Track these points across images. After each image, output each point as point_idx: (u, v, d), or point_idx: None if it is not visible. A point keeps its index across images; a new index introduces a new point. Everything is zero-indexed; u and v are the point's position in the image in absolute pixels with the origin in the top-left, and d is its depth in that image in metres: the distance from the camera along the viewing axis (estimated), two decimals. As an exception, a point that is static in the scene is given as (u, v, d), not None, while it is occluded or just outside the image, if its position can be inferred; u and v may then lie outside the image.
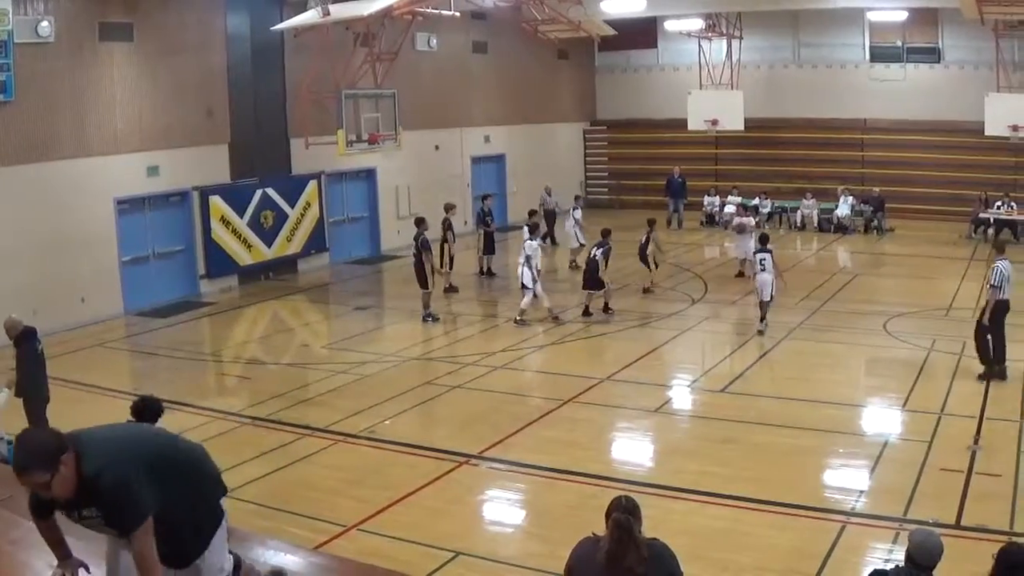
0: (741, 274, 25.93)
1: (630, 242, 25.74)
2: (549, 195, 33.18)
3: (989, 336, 16.48)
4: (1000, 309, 16.49)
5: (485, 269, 27.52)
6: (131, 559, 5.63)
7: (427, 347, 20.46)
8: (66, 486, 5.29)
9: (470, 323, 22.41)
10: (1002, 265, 16.48)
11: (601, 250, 22.13)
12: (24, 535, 7.22)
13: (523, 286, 21.81)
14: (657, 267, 25.14)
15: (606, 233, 22.66)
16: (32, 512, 5.76)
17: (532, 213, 26.05)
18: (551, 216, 31.47)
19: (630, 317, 21.92)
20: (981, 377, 16.26)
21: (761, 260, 20.50)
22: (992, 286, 16.41)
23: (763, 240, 21.68)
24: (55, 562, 5.99)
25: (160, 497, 5.52)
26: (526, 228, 22.48)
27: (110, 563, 6.03)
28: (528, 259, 21.63)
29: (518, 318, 21.63)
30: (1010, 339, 17.02)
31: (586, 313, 22.12)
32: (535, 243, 22.06)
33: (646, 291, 24.50)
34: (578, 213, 28.59)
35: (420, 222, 22.61)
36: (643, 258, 25.00)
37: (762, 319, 20.44)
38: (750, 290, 23.32)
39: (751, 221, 26.68)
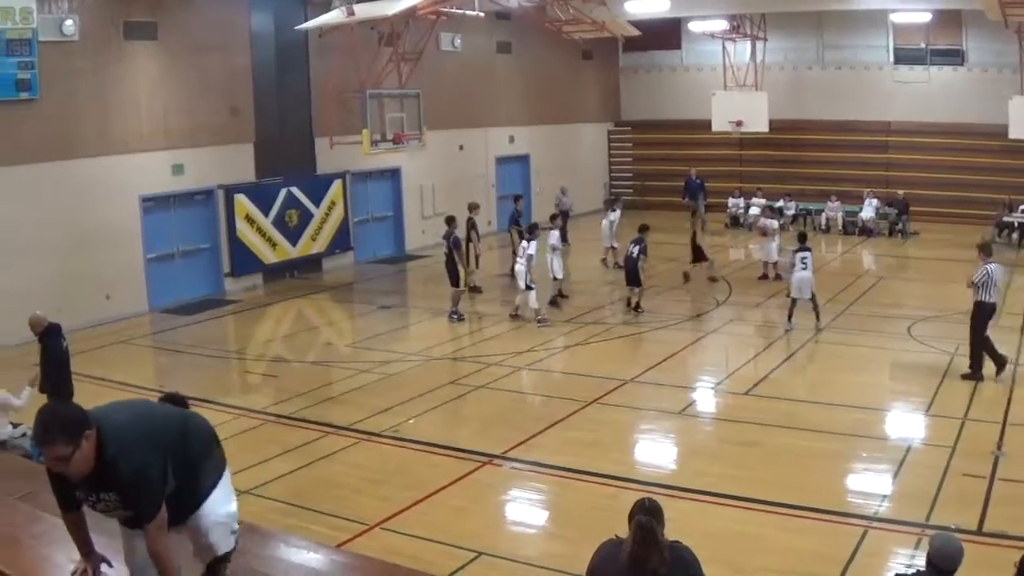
0: (764, 276, 25.94)
1: (659, 243, 25.82)
2: (564, 195, 33.17)
3: (987, 336, 16.72)
4: (985, 312, 16.62)
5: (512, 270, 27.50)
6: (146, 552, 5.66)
7: (451, 347, 20.50)
8: (86, 463, 5.27)
9: (495, 323, 22.39)
10: (990, 268, 16.59)
11: (638, 247, 22.27)
12: (47, 530, 7.26)
13: (527, 287, 21.98)
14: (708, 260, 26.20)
15: (643, 229, 22.92)
16: (60, 505, 5.78)
17: (554, 217, 26.03)
18: (565, 216, 31.32)
19: (655, 319, 21.89)
20: (998, 376, 16.50)
21: (803, 259, 20.46)
22: (975, 284, 16.56)
23: (803, 239, 21.64)
24: (77, 556, 6.02)
25: (172, 481, 5.58)
26: (555, 231, 22.77)
27: (128, 558, 6.03)
28: (530, 259, 21.78)
29: (539, 319, 21.70)
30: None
31: (629, 305, 22.58)
32: (536, 244, 22.24)
33: (713, 280, 25.91)
34: (614, 215, 28.71)
35: (450, 220, 22.86)
36: (696, 249, 25.93)
37: (790, 318, 20.65)
38: (774, 292, 23.42)
39: (775, 223, 26.63)
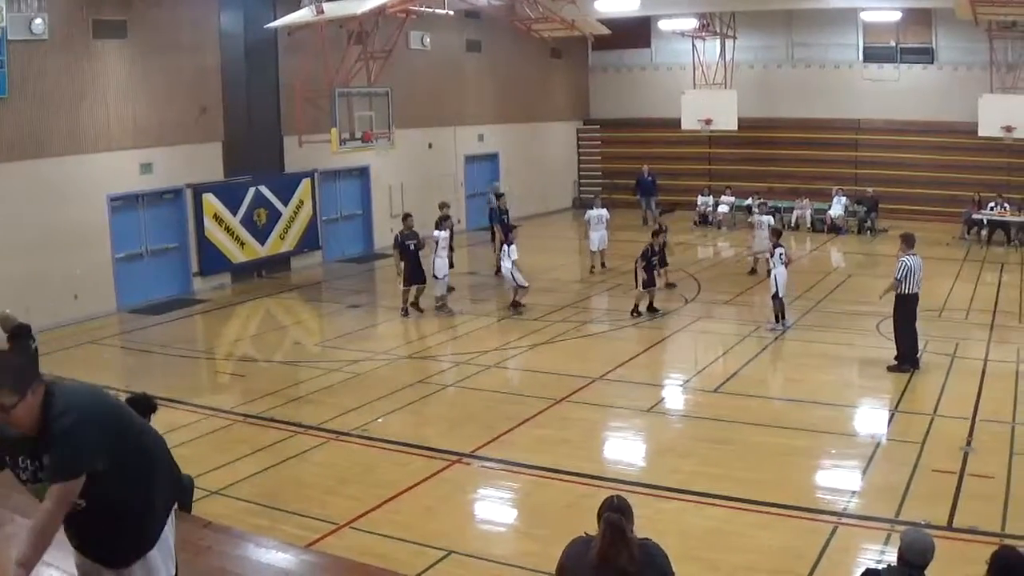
0: (754, 271, 26.30)
1: (625, 241, 25.76)
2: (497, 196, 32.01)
3: (902, 330, 17.10)
4: (908, 303, 16.95)
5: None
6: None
7: (420, 345, 20.45)
8: (29, 416, 5.08)
9: (463, 321, 22.32)
10: (907, 260, 16.89)
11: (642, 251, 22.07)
12: (16, 531, 7.17)
13: (435, 276, 22.84)
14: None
15: (654, 233, 22.88)
16: None
17: (512, 229, 25.68)
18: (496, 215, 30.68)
19: (623, 317, 21.90)
20: (890, 368, 16.97)
21: (780, 254, 20.46)
22: (897, 280, 16.87)
23: (777, 234, 21.73)
24: (48, 559, 5.84)
25: (108, 466, 5.25)
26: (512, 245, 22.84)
27: None
28: (440, 250, 22.82)
29: (437, 305, 22.96)
30: (1000, 340, 17.17)
31: (651, 309, 22.15)
32: (445, 234, 23.26)
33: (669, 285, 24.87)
34: (592, 212, 28.04)
35: (406, 217, 23.08)
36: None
37: (780, 318, 20.50)
38: (742, 290, 23.52)
39: (771, 219, 26.76)
